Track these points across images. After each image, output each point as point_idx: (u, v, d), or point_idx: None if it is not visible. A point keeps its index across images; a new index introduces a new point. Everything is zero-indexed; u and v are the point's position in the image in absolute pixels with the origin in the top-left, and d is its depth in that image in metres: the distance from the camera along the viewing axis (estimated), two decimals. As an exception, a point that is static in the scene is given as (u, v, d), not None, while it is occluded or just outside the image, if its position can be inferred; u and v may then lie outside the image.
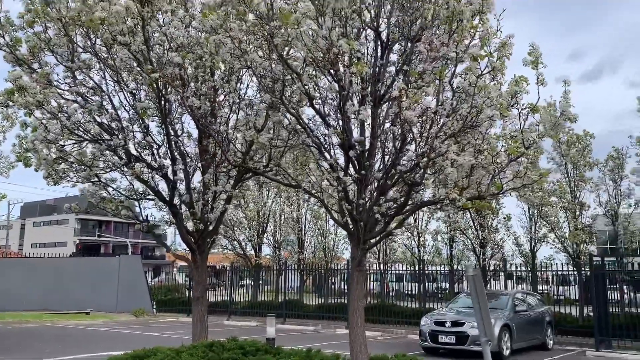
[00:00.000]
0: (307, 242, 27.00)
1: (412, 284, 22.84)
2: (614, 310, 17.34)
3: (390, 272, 24.14)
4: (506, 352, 13.78)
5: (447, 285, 22.51)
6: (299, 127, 6.33)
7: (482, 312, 5.75)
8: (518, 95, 5.85)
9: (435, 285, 23.07)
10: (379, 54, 6.39)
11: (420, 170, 5.85)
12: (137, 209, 8.37)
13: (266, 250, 27.77)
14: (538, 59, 5.71)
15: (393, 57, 6.53)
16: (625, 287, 19.43)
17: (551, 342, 16.31)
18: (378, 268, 24.22)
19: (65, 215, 79.25)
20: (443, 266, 21.93)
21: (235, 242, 27.26)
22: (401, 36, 6.10)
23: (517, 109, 6.03)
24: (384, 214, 6.28)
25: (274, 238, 27.47)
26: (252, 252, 27.65)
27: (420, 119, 5.57)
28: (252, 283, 27.38)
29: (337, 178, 6.11)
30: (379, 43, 6.41)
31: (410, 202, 6.44)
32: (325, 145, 6.24)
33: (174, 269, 39.81)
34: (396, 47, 6.54)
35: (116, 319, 23.69)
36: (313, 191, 7.05)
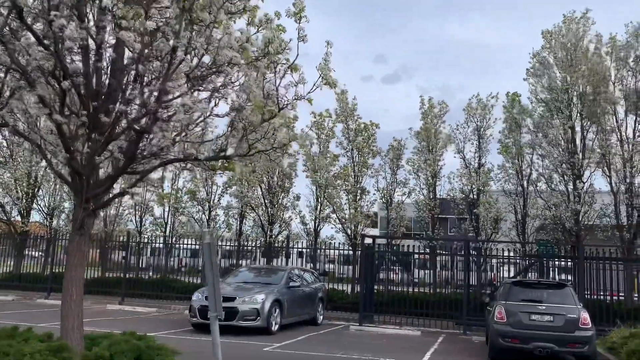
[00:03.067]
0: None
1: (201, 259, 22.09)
2: (381, 288, 18.67)
3: (177, 246, 22.94)
4: (274, 328, 13.79)
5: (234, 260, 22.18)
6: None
7: (214, 284, 5.15)
8: (271, 44, 5.31)
9: (223, 260, 22.59)
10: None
11: (150, 115, 5.00)
12: None
13: (37, 217, 24.46)
14: (302, 11, 5.25)
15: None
16: (396, 267, 21.14)
17: (321, 317, 16.91)
18: (165, 241, 22.86)
19: None
20: (232, 241, 21.52)
21: (-3, 205, 23.52)
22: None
23: (272, 62, 5.50)
24: (117, 167, 5.31)
25: (46, 203, 24.29)
26: (19, 217, 24.15)
27: (146, 48, 4.68)
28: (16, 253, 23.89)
29: (49, 115, 4.95)
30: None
31: (146, 156, 5.51)
32: (34, 72, 4.98)
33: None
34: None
35: None
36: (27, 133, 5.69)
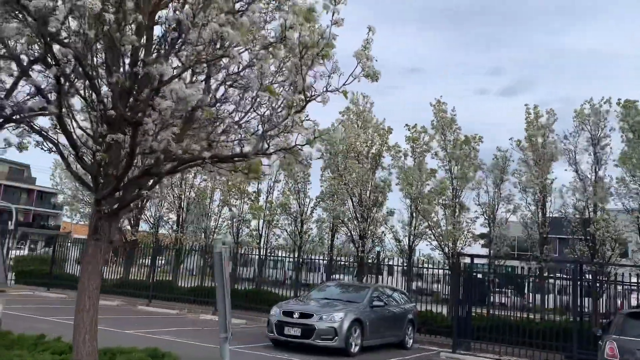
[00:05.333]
0: (189, 221, 25.32)
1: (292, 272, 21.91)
2: (485, 312, 17.13)
3: (271, 258, 22.92)
4: (355, 349, 12.95)
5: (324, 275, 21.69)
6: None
7: (225, 301, 4.55)
8: (292, 28, 4.60)
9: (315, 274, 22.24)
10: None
11: (140, 104, 4.50)
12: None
13: (144, 226, 25.83)
14: (337, -10, 4.52)
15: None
16: (498, 290, 19.37)
17: (411, 340, 15.76)
18: (258, 253, 22.99)
19: (-52, 173, 72.58)
20: (323, 255, 21.07)
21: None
22: None
23: (303, 50, 4.79)
24: (124, 166, 4.88)
25: (152, 214, 25.57)
26: (129, 227, 25.67)
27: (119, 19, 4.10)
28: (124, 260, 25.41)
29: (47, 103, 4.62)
30: None
31: (146, 153, 4.97)
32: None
33: (69, 242, 36.55)
34: None
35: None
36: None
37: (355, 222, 21.09)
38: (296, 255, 21.09)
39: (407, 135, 20.82)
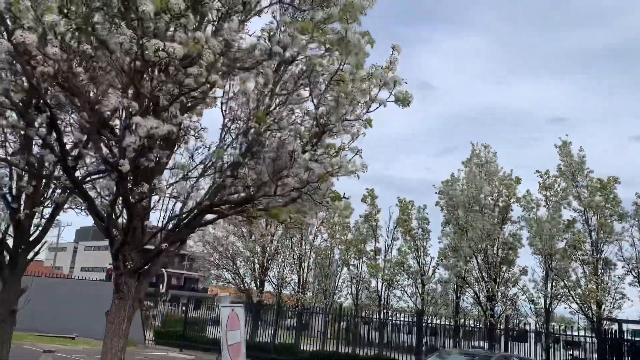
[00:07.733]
0: (310, 282, 25.12)
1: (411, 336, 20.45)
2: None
3: (390, 321, 21.69)
4: None
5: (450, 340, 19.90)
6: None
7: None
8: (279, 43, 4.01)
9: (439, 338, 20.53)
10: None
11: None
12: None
13: (268, 287, 26.12)
14: None
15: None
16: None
17: (546, 420, 13.53)
18: (378, 317, 21.92)
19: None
20: (449, 319, 19.43)
21: (237, 276, 25.89)
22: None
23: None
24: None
25: (276, 275, 25.82)
26: (254, 287, 26.13)
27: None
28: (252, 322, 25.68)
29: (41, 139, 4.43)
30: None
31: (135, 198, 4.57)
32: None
33: (215, 302, 38.30)
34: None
35: (99, 347, 22.65)
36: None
37: (482, 282, 19.25)
38: (418, 319, 19.69)
39: (540, 183, 18.95)
